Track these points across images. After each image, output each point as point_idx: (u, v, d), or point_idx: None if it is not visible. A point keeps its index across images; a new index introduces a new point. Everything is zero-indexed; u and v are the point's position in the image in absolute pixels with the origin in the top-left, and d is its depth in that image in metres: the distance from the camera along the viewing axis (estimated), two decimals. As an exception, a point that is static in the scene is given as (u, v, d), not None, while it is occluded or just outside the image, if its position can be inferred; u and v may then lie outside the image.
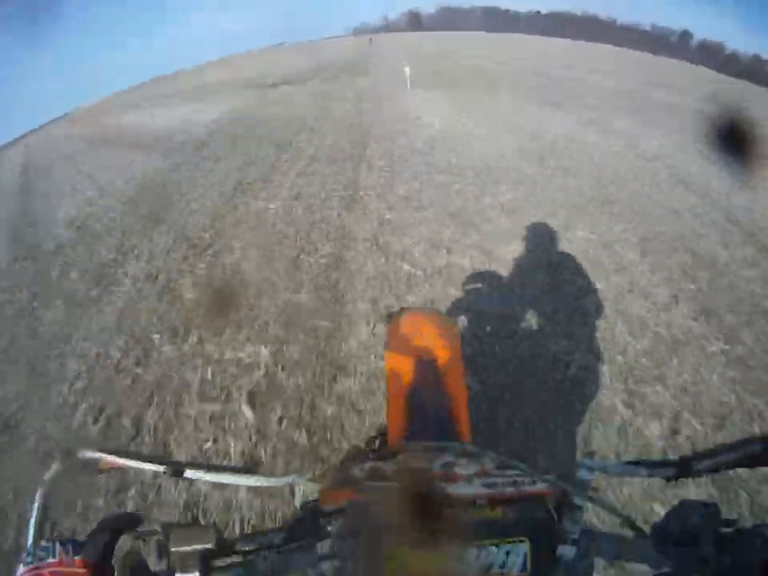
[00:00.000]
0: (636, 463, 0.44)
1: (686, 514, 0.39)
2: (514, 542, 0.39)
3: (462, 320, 2.20)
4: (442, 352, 0.90)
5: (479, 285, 2.54)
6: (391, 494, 0.39)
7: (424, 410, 0.83)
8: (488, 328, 2.13)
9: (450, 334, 1.01)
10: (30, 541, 0.43)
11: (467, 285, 2.51)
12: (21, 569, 0.39)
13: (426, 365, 0.87)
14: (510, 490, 0.42)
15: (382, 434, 1.04)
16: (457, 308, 2.32)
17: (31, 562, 0.40)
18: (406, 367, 0.88)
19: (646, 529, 0.41)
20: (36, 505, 0.46)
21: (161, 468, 0.47)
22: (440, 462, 0.45)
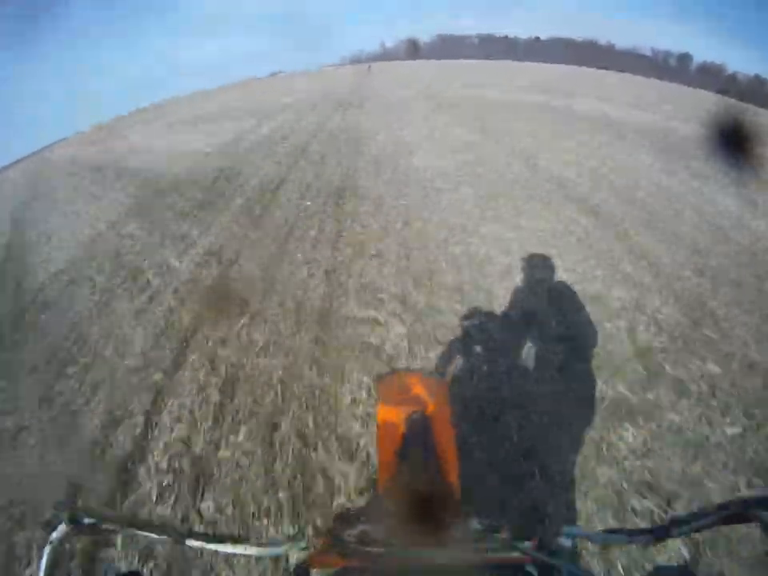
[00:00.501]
0: (616, 531, 0.46)
1: None
2: None
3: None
4: (432, 405, 0.92)
5: None
6: (379, 561, 0.41)
7: (415, 462, 0.84)
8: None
9: (439, 390, 1.05)
10: None
11: None
12: None
13: (416, 418, 0.89)
14: (494, 555, 0.43)
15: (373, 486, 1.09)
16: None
17: None
18: (397, 420, 0.89)
19: None
20: (43, 563, 0.48)
21: (163, 536, 0.50)
22: (430, 525, 0.44)
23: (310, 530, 1.48)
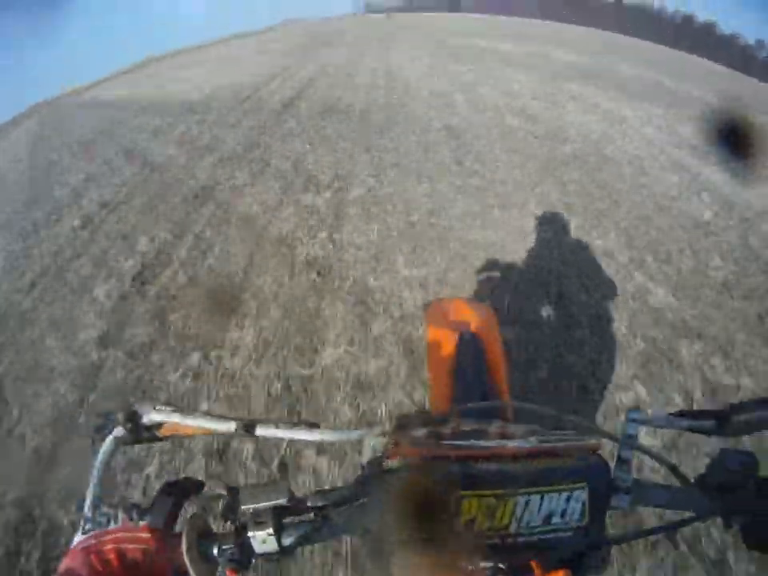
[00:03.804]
0: (679, 414, 0.46)
1: (726, 462, 0.42)
2: (574, 487, 0.40)
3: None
4: (481, 327, 0.93)
5: None
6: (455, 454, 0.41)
7: (466, 383, 0.85)
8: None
9: (487, 313, 1.06)
10: (89, 507, 0.42)
11: None
12: (79, 536, 0.38)
13: (466, 338, 0.90)
14: (565, 443, 0.43)
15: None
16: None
17: (92, 529, 0.39)
18: (446, 340, 0.91)
19: (691, 478, 0.43)
20: (95, 470, 0.45)
21: (231, 426, 0.46)
22: (494, 424, 0.46)
23: (386, 420, 1.59)
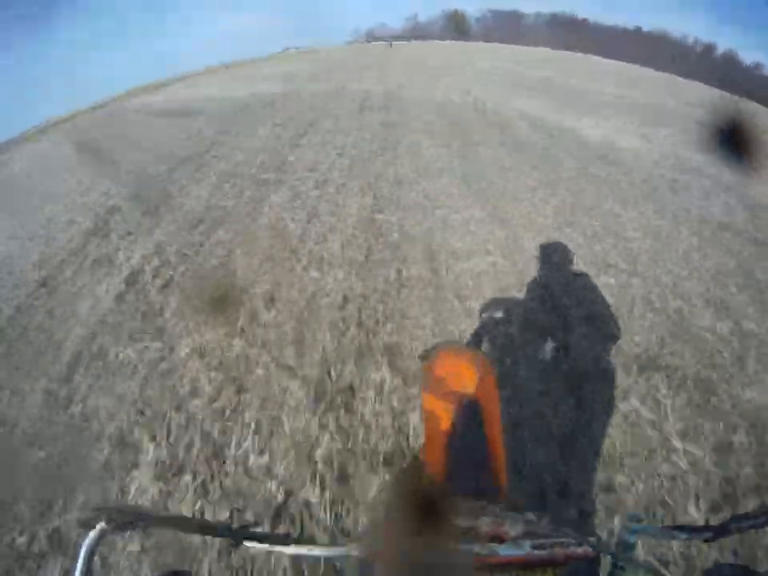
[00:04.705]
0: (677, 528, 0.45)
1: None
2: None
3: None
4: (480, 394, 0.92)
5: None
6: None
7: (462, 454, 0.85)
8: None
9: (487, 375, 1.02)
10: None
11: None
12: None
13: (463, 407, 0.89)
14: (558, 551, 0.41)
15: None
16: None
17: None
18: (443, 410, 0.90)
19: None
20: (80, 563, 0.44)
21: (218, 537, 0.46)
22: (487, 520, 0.45)
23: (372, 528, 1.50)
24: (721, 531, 0.44)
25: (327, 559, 1.18)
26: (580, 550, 0.42)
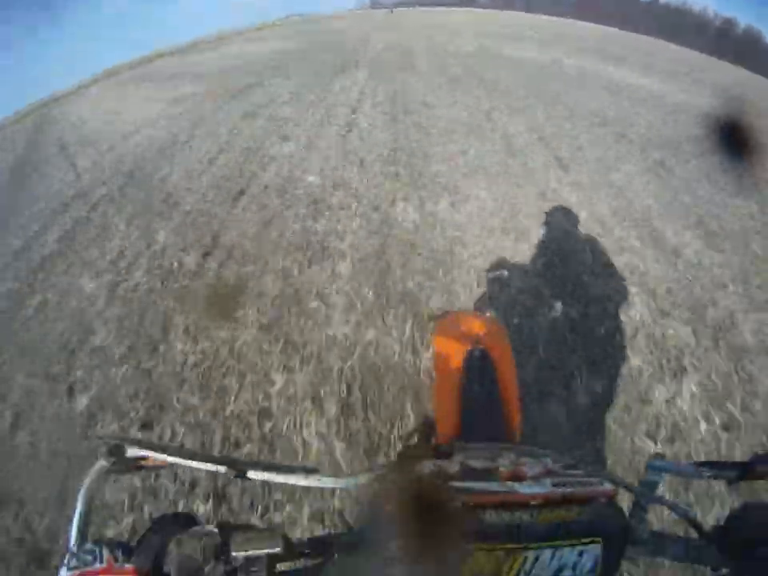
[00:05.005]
0: (701, 464, 0.45)
1: (747, 517, 0.40)
2: (587, 541, 0.38)
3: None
4: (491, 342, 0.89)
5: None
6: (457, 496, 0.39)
7: (474, 404, 0.81)
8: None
9: (497, 329, 1.00)
10: (73, 542, 0.41)
11: None
12: (63, 572, 0.37)
13: (475, 353, 0.86)
14: (580, 489, 0.41)
15: (431, 426, 1.02)
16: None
17: (75, 567, 0.37)
18: (455, 355, 0.86)
19: (710, 530, 0.42)
20: (79, 503, 0.43)
21: (221, 468, 0.44)
22: (504, 461, 0.44)
23: (382, 461, 1.48)
24: (747, 470, 0.43)
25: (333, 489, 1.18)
26: (602, 488, 0.41)
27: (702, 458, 1.50)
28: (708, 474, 0.44)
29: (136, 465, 0.47)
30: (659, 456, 0.45)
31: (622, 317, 2.15)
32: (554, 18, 24.30)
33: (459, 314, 1.15)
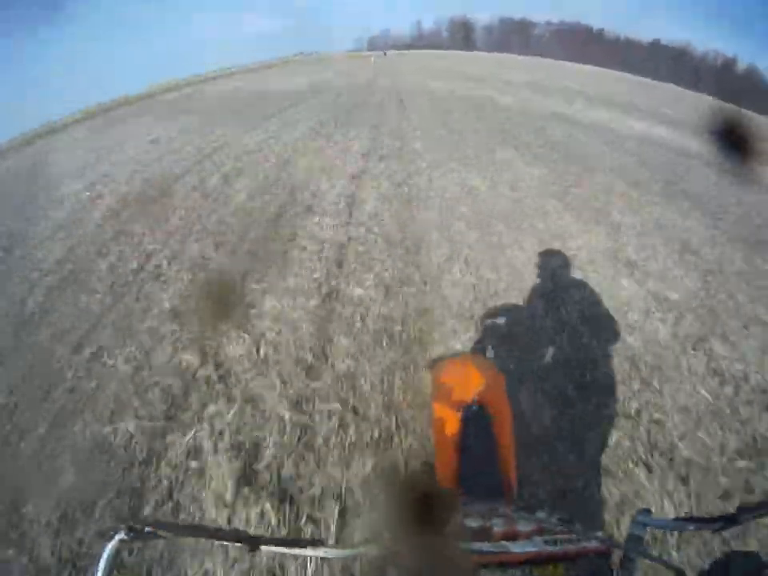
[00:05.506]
0: (687, 519, 0.46)
1: (730, 564, 0.40)
2: None
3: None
4: (489, 399, 0.91)
5: None
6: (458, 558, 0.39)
7: (472, 457, 0.84)
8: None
9: (495, 380, 1.02)
10: None
11: None
12: None
13: (472, 414, 0.89)
14: (570, 547, 0.42)
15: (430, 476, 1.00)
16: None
17: None
18: (452, 418, 0.89)
19: None
20: (100, 572, 0.44)
21: (235, 543, 0.45)
22: (498, 521, 0.46)
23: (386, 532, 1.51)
24: (730, 521, 0.44)
25: (342, 561, 1.19)
26: (591, 545, 0.42)
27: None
28: (692, 528, 0.45)
29: (154, 539, 0.48)
30: (645, 511, 0.46)
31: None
32: (553, 61, 25.27)
33: (455, 362, 1.14)
